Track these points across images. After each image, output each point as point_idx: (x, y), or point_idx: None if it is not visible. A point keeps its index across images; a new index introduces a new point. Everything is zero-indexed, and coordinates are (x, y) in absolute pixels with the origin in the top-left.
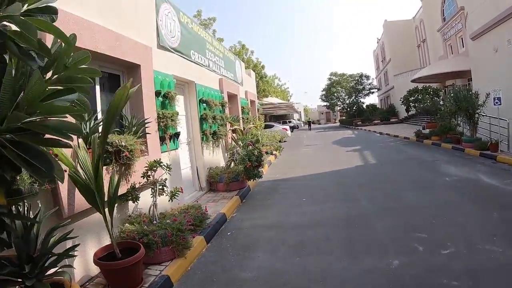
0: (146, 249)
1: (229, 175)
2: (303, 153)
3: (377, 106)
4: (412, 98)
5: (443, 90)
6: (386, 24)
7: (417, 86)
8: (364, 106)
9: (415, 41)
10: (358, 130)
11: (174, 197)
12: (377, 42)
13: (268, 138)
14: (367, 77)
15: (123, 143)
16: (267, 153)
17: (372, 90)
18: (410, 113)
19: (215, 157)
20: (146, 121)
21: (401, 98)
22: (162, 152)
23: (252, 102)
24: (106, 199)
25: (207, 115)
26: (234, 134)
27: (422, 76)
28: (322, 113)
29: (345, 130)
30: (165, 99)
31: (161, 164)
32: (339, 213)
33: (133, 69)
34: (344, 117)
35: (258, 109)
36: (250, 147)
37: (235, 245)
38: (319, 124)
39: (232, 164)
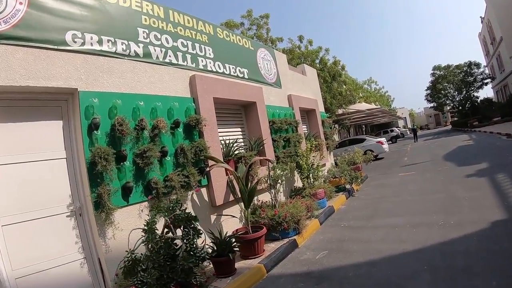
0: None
1: None
2: (396, 183)
3: (493, 99)
4: None
5: None
6: None
7: None
8: (479, 101)
9: None
10: (475, 133)
11: None
12: (481, 22)
13: (341, 163)
14: (477, 66)
15: None
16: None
17: (485, 81)
18: None
19: None
20: None
21: None
22: None
23: (310, 111)
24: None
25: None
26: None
27: None
28: (430, 116)
29: (458, 135)
30: None
31: None
32: None
33: None
34: (456, 118)
35: (324, 122)
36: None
37: None
38: (428, 129)
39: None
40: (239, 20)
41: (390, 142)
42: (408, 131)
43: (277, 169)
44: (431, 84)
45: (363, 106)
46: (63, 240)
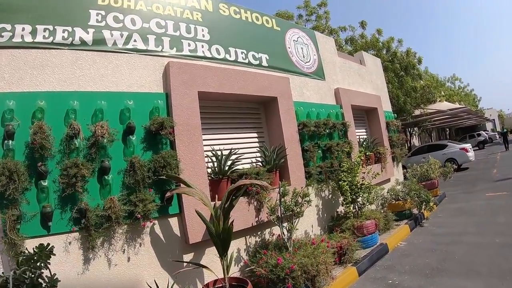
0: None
1: None
2: (481, 209)
3: None
4: None
5: None
6: None
7: None
8: None
9: None
10: None
11: None
12: None
13: (410, 177)
14: None
15: None
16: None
17: None
18: None
19: None
20: None
21: None
22: None
23: (370, 111)
24: None
25: None
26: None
27: None
28: None
29: None
30: None
31: None
32: None
33: None
34: None
35: (389, 124)
36: None
37: None
38: None
39: None
40: (295, 12)
41: (477, 148)
42: (497, 135)
43: (296, 194)
44: None
45: (444, 105)
46: None
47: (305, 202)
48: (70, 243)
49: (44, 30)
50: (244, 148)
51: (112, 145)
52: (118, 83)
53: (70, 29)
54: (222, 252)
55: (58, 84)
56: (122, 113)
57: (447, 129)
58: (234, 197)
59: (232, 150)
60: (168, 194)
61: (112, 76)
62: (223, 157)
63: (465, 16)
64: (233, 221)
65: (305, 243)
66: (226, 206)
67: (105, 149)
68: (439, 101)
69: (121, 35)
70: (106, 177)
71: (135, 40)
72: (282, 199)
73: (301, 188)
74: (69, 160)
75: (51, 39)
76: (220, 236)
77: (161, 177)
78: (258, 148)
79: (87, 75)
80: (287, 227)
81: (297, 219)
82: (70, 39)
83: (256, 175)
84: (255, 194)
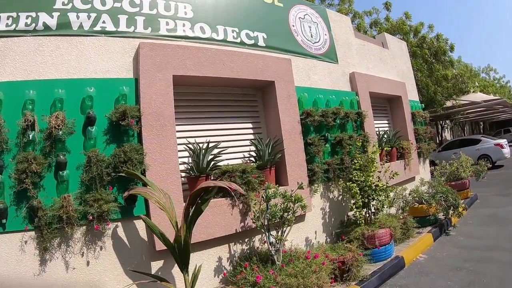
0: None
1: None
2: None
3: None
4: None
5: None
6: None
7: None
8: None
9: None
10: None
11: None
12: None
13: (438, 177)
14: None
15: None
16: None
17: None
18: None
19: None
20: None
21: None
22: None
23: (392, 99)
24: None
25: None
26: None
27: None
28: None
29: None
30: None
31: None
32: None
33: None
34: None
35: (415, 115)
36: None
37: None
38: None
39: None
40: None
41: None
42: None
43: (287, 198)
44: None
45: (478, 96)
46: None
47: (300, 208)
48: (26, 242)
49: (8, 17)
50: (235, 140)
51: (70, 137)
52: (83, 69)
53: (34, 14)
54: (182, 266)
55: (18, 73)
56: (84, 102)
57: (481, 123)
58: (199, 201)
59: (211, 143)
60: (125, 194)
61: (76, 61)
62: (201, 151)
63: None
64: (190, 232)
65: (297, 256)
66: (191, 211)
67: (63, 142)
68: (473, 92)
69: (88, 17)
70: (61, 173)
71: (103, 22)
72: (270, 203)
73: (292, 191)
74: (20, 155)
75: (13, 26)
76: (174, 248)
77: (120, 174)
78: (258, 140)
79: (49, 62)
80: (276, 237)
81: (288, 227)
82: (33, 25)
83: (242, 173)
84: (240, 195)
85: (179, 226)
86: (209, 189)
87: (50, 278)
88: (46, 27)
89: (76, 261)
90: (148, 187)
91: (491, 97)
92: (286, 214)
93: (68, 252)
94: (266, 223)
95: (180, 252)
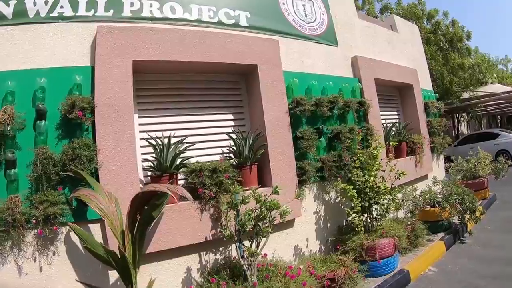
0: None
1: None
2: None
3: None
4: None
5: None
6: None
7: None
8: None
9: None
10: None
11: None
12: None
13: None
14: None
15: None
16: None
17: None
18: None
19: None
20: None
21: None
22: None
23: (403, 88)
24: None
25: None
26: None
27: None
28: None
29: None
30: None
31: None
32: None
33: None
34: None
35: (427, 105)
36: None
37: None
38: None
39: None
40: None
41: None
42: None
43: (261, 205)
44: None
45: (497, 88)
46: None
47: (279, 215)
48: None
49: None
50: (213, 134)
51: (20, 133)
52: (38, 58)
53: None
54: (131, 281)
55: None
56: (35, 94)
57: (498, 117)
58: (146, 207)
59: (177, 137)
60: (70, 196)
61: (32, 51)
62: (164, 146)
63: None
64: (141, 243)
65: (277, 272)
66: (139, 219)
67: (12, 138)
68: (491, 83)
69: (46, 3)
70: (9, 171)
71: (61, 7)
72: (243, 210)
73: (265, 196)
74: None
75: None
76: (111, 263)
77: (68, 173)
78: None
79: (3, 53)
80: (248, 250)
81: (264, 238)
82: None
83: (212, 172)
84: (209, 198)
85: (124, 237)
86: (157, 194)
87: (3, 282)
88: (2, 16)
89: (29, 266)
90: (90, 189)
91: (510, 88)
92: (261, 223)
93: (21, 256)
94: (237, 233)
95: (119, 267)
